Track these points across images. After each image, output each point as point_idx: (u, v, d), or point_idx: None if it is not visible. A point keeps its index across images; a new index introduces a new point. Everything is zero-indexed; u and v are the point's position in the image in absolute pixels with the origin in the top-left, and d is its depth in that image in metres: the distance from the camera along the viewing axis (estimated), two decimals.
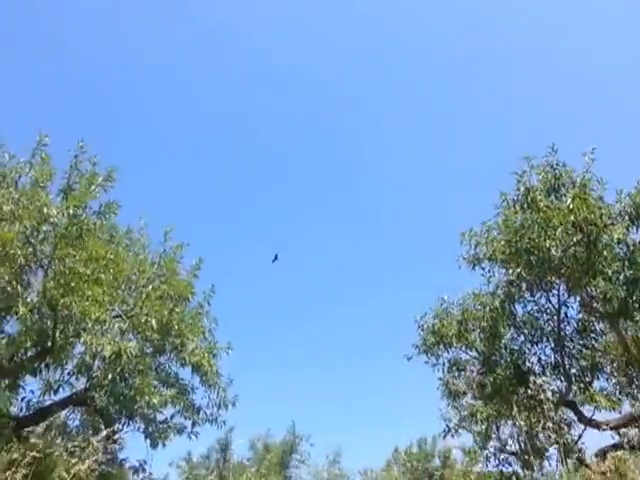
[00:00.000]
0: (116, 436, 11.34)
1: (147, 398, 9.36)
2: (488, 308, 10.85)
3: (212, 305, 11.34)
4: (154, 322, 9.52)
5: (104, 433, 11.36)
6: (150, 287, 10.20)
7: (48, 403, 10.98)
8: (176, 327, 9.96)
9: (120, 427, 11.14)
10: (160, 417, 10.13)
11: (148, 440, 9.85)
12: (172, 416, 10.16)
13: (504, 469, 11.44)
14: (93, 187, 9.39)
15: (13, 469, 5.67)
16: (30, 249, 9.14)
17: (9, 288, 8.99)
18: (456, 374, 11.76)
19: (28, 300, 9.28)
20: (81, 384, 10.87)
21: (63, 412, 11.68)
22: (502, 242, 10.09)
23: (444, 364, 11.78)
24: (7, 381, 10.34)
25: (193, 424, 10.60)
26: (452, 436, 11.68)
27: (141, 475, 10.47)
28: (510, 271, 10.22)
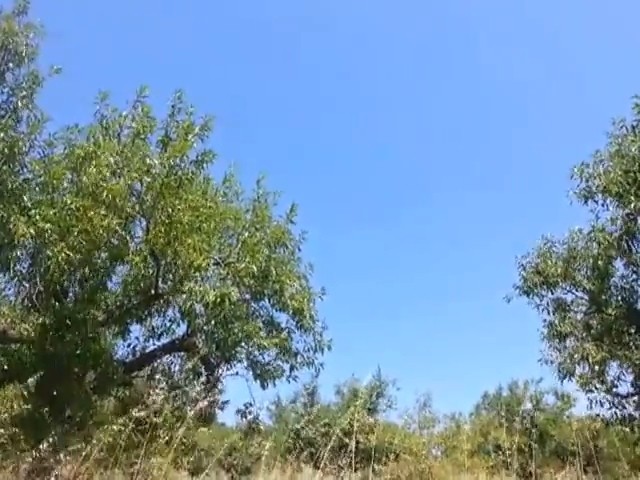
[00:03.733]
0: (218, 380, 11.76)
1: (255, 340, 9.46)
2: (601, 245, 10.11)
3: (302, 251, 11.25)
4: (254, 268, 9.51)
5: (205, 378, 11.85)
6: (246, 234, 10.19)
7: (151, 348, 11.44)
8: (274, 273, 9.91)
9: (221, 372, 11.50)
10: (265, 359, 10.25)
11: (258, 381, 9.99)
12: (275, 359, 10.27)
13: (616, 412, 10.94)
14: (190, 137, 9.34)
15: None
16: (134, 200, 9.28)
17: (118, 238, 9.23)
18: (562, 315, 11.21)
19: (134, 250, 9.53)
20: (181, 330, 11.22)
21: (165, 357, 12.16)
22: (619, 173, 9.26)
23: (548, 305, 11.25)
24: (116, 328, 10.78)
25: (291, 368, 10.70)
26: (570, 380, 11.10)
27: (249, 417, 10.76)
28: (629, 204, 9.40)
